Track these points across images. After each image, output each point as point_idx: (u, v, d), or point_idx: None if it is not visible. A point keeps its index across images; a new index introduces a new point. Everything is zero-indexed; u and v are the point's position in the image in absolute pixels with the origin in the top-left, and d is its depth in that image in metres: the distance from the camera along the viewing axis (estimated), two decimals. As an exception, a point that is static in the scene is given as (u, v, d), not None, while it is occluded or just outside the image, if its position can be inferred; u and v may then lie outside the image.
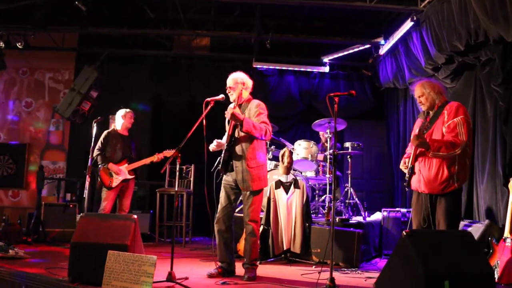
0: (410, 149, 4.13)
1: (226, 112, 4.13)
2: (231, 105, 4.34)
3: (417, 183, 3.90)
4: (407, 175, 3.98)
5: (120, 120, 5.72)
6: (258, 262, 4.38)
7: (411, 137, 3.90)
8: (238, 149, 4.20)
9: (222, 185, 4.36)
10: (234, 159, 4.21)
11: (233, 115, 4.04)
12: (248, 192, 4.22)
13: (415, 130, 4.06)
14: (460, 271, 2.85)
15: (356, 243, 5.11)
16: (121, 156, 5.59)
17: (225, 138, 4.43)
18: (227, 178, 4.32)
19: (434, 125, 3.87)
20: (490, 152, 5.06)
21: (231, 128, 4.23)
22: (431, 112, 3.98)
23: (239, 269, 4.31)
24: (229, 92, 4.36)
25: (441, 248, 3.01)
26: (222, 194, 4.34)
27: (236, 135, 4.21)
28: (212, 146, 4.32)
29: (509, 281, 4.12)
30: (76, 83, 7.57)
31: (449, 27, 5.17)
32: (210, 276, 4.15)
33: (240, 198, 4.42)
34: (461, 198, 4.03)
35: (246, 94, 4.37)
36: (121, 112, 5.75)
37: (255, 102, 4.33)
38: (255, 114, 4.21)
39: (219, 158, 4.29)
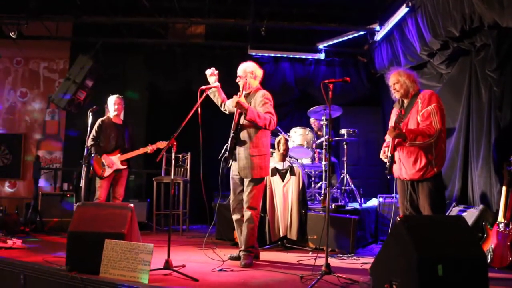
0: (388, 138, 4.23)
1: (231, 100, 4.19)
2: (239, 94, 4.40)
3: (399, 171, 4.06)
4: (387, 164, 4.10)
5: (111, 107, 5.67)
6: (255, 248, 4.43)
7: (388, 128, 4.00)
8: (242, 136, 4.29)
9: (230, 175, 4.47)
10: (238, 145, 4.29)
11: (238, 104, 4.12)
12: (248, 179, 4.29)
13: (392, 120, 4.18)
14: (453, 256, 2.89)
15: (352, 229, 5.14)
16: (114, 146, 5.56)
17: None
18: (233, 168, 4.40)
19: (409, 114, 4.02)
20: (485, 137, 5.08)
21: (237, 115, 4.30)
22: (405, 101, 4.11)
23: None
24: (239, 81, 4.44)
25: (434, 233, 3.04)
26: (232, 184, 4.47)
27: (241, 122, 4.29)
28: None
29: (501, 264, 4.18)
30: (71, 72, 7.52)
31: (444, 13, 5.15)
32: (230, 258, 4.42)
33: None
34: (443, 181, 4.16)
35: (254, 84, 4.45)
36: (110, 99, 5.69)
37: (261, 91, 4.40)
38: (260, 103, 4.28)
39: (226, 146, 4.38)
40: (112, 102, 5.65)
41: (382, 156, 4.24)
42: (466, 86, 5.48)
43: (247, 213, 4.31)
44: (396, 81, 4.10)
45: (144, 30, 8.16)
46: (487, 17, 4.41)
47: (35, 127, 8.57)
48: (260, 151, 4.28)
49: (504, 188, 4.43)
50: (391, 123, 4.18)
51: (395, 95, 4.17)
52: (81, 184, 5.43)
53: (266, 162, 4.36)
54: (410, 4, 5.96)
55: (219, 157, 4.41)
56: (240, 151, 4.27)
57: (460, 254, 2.93)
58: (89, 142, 5.50)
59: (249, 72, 4.42)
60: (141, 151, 5.58)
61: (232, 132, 4.31)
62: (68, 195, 6.83)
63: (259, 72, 4.50)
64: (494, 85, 4.85)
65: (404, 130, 3.88)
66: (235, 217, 4.47)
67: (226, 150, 4.36)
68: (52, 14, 7.49)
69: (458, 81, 5.64)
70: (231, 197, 4.50)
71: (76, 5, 6.93)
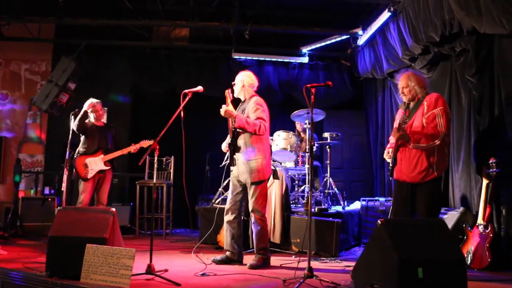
0: (393, 139, 4.23)
1: (220, 109, 4.36)
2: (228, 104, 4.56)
3: (399, 172, 4.04)
4: (390, 165, 4.10)
5: (90, 113, 5.58)
6: (267, 251, 4.51)
7: (393, 129, 4.02)
8: (239, 142, 4.46)
9: (230, 178, 4.66)
10: (236, 151, 4.48)
11: (226, 113, 4.33)
12: (249, 184, 4.43)
13: (397, 121, 4.18)
14: (433, 258, 2.93)
15: (335, 232, 5.18)
16: (97, 147, 5.51)
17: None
18: (234, 171, 4.58)
19: (414, 116, 4.00)
20: (465, 141, 5.17)
21: (231, 123, 4.48)
22: (411, 103, 4.09)
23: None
24: (234, 87, 4.68)
25: (414, 236, 3.08)
26: (231, 185, 4.63)
27: (237, 129, 4.47)
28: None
29: (481, 265, 4.26)
30: (54, 74, 7.43)
31: (425, 18, 5.23)
32: (214, 261, 4.49)
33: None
34: (441, 186, 4.16)
35: (248, 91, 4.64)
36: (87, 104, 5.57)
37: (254, 98, 4.58)
38: (252, 110, 4.46)
39: (227, 154, 4.60)
40: (89, 108, 5.54)
41: (386, 156, 4.25)
42: (447, 90, 5.56)
43: (252, 217, 4.50)
44: (405, 85, 4.09)
45: (128, 32, 8.10)
46: (465, 23, 4.49)
47: (16, 129, 8.44)
48: (257, 155, 4.42)
49: (483, 190, 4.51)
50: (396, 124, 4.17)
51: (403, 98, 4.17)
52: (62, 188, 5.37)
53: (264, 166, 4.46)
54: (392, 9, 6.04)
55: (221, 165, 4.54)
56: (239, 157, 4.45)
57: (439, 256, 2.97)
58: (68, 146, 5.41)
59: (240, 80, 4.63)
60: (124, 151, 5.53)
61: (229, 139, 4.52)
62: (49, 199, 6.74)
63: (250, 81, 4.66)
64: (473, 89, 4.93)
65: (408, 132, 3.90)
66: (226, 218, 4.58)
67: (227, 158, 4.59)
68: (34, 15, 7.40)
69: (439, 85, 5.71)
70: (228, 197, 4.66)
71: (58, 6, 6.85)
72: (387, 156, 4.21)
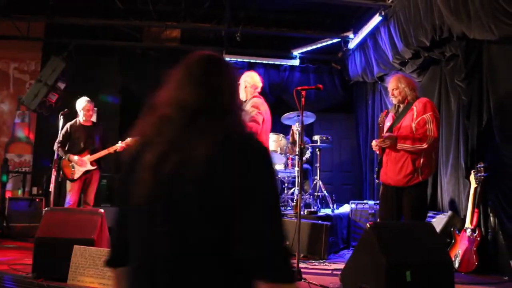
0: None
1: None
2: None
3: (384, 175, 4.04)
4: (376, 168, 4.10)
5: (80, 112, 5.57)
6: None
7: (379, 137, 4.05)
8: None
9: None
10: None
11: None
12: None
13: (386, 125, 4.19)
14: (421, 261, 2.95)
15: (324, 235, 5.18)
16: (82, 148, 5.46)
17: None
18: None
19: (403, 119, 4.00)
20: (454, 145, 5.21)
21: None
22: (401, 106, 4.10)
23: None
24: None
25: (403, 239, 3.10)
26: None
27: None
28: None
29: (468, 269, 4.29)
30: (43, 74, 7.36)
31: (415, 23, 5.27)
32: None
33: None
34: (427, 190, 4.16)
35: (250, 92, 4.65)
36: (80, 104, 5.58)
37: (253, 99, 4.56)
38: (248, 111, 4.42)
39: None
40: (82, 107, 5.54)
41: (374, 143, 4.20)
42: (436, 94, 5.61)
43: None
44: (395, 87, 4.07)
45: (118, 32, 8.05)
46: (455, 28, 4.53)
47: (4, 129, 8.34)
48: None
49: (471, 194, 4.55)
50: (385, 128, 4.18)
51: (393, 100, 4.16)
52: (50, 188, 5.31)
53: None
54: (383, 13, 6.08)
55: None
56: None
57: (427, 260, 2.99)
58: (55, 146, 5.41)
59: (244, 81, 4.65)
60: (111, 149, 5.46)
61: None
62: (37, 200, 6.67)
63: (252, 82, 4.67)
64: (463, 94, 4.97)
65: (395, 134, 3.91)
66: None
67: None
68: (23, 13, 7.32)
69: (429, 90, 5.76)
70: None
71: (48, 5, 6.79)
72: (375, 145, 4.19)
